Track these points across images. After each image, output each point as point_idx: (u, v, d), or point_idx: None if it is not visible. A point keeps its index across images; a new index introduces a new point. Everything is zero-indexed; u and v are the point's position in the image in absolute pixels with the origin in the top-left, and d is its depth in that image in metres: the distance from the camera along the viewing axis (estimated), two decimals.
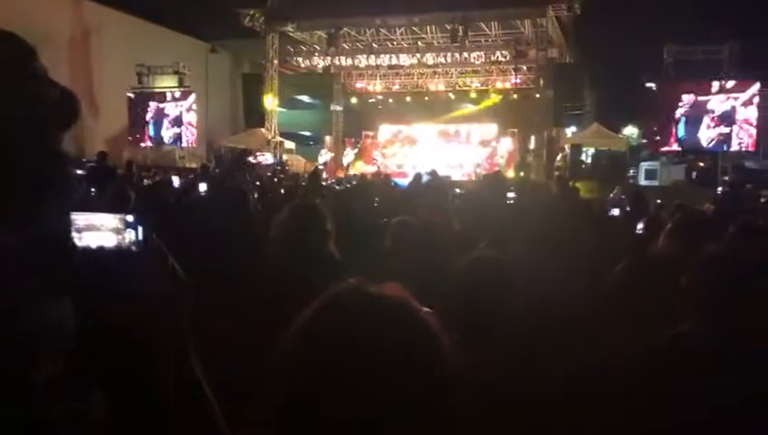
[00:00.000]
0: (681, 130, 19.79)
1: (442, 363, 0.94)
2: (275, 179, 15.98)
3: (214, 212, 3.45)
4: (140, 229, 1.13)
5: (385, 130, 28.35)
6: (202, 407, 1.16)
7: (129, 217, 1.13)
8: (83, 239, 1.13)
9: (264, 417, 0.94)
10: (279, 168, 22.19)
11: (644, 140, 25.56)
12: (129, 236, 1.13)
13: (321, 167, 23.92)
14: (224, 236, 3.22)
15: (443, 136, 27.16)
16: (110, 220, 1.13)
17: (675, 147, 20.02)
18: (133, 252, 1.12)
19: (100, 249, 1.12)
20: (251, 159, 21.17)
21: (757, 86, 18.95)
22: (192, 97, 24.56)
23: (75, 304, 1.12)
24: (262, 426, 0.95)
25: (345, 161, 27.63)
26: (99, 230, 1.13)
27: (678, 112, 19.65)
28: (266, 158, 23.51)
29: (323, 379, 0.90)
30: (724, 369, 1.72)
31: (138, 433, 1.16)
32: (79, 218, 1.13)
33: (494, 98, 27.12)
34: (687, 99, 19.52)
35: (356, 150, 27.99)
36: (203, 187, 7.74)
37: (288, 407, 0.92)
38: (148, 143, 24.88)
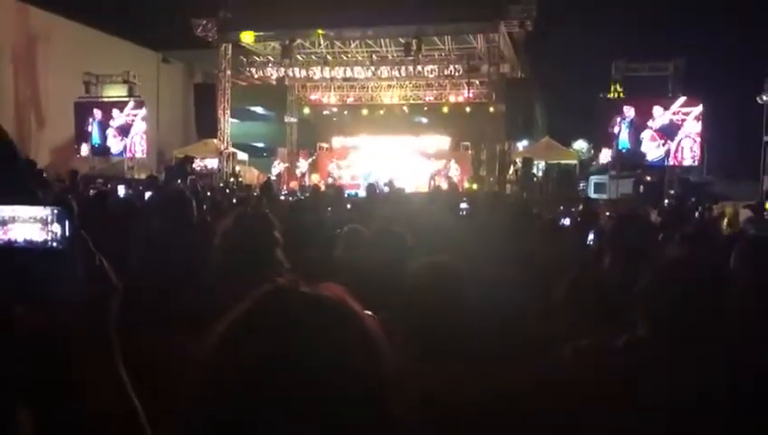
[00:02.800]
0: (624, 143, 20.23)
1: (380, 370, 0.87)
2: (227, 190, 15.77)
3: (154, 219, 3.33)
4: (67, 223, 1.02)
5: (339, 142, 28.32)
6: (129, 419, 1.07)
7: (56, 210, 1.02)
8: (3, 232, 1.02)
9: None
10: (232, 179, 21.97)
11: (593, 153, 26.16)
12: (54, 230, 1.02)
13: (274, 178, 23.75)
14: (163, 244, 3.10)
15: (397, 148, 27.28)
16: (33, 212, 1.02)
17: (611, 156, 20.38)
18: (55, 248, 1.01)
19: (17, 243, 1.01)
20: (196, 165, 20.89)
21: (700, 107, 19.49)
22: (143, 107, 24.15)
23: None
24: None
25: (299, 173, 27.48)
26: (21, 222, 1.02)
27: (618, 126, 20.05)
28: (212, 166, 23.31)
29: (245, 388, 0.82)
30: (680, 371, 1.75)
31: None
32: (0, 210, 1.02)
33: (448, 111, 27.39)
34: (627, 111, 19.99)
35: (310, 162, 27.88)
36: (148, 196, 7.55)
37: (205, 422, 0.83)
38: (94, 154, 24.34)
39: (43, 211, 1.03)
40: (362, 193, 15.27)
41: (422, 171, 25.95)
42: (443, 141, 27.27)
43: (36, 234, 1.02)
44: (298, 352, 0.84)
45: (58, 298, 1.00)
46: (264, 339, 0.84)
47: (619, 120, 19.98)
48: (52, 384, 1.06)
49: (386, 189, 11.10)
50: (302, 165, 27.75)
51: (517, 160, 23.17)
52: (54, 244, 1.02)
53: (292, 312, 0.87)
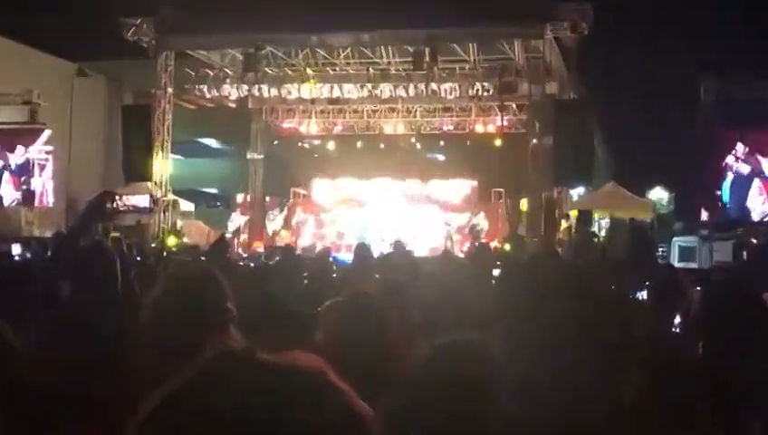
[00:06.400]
0: (726, 194, 20.20)
1: None
2: (164, 253, 15.74)
3: (61, 284, 3.31)
4: None
5: (323, 187, 28.64)
6: None
7: None
8: None
9: None
10: (171, 239, 21.97)
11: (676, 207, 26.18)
12: None
13: (230, 236, 23.74)
14: (75, 318, 3.07)
15: (402, 196, 27.47)
16: None
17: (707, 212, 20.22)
18: None
19: None
20: (116, 203, 20.93)
21: None
22: (45, 135, 24.30)
23: None
24: None
25: (270, 229, 27.60)
26: None
27: (728, 168, 19.88)
28: (143, 205, 23.29)
29: None
30: None
31: None
32: None
33: (473, 145, 27.64)
34: (741, 150, 19.89)
35: (283, 215, 28.01)
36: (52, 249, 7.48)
37: None
38: None
39: None
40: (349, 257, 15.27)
41: (436, 229, 26.05)
42: (466, 187, 27.65)
43: None
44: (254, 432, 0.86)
45: None
46: (204, 421, 0.86)
47: (728, 161, 19.84)
48: None
49: (384, 252, 11.10)
50: (275, 219, 27.95)
51: (570, 214, 23.25)
52: None
53: (247, 380, 0.89)
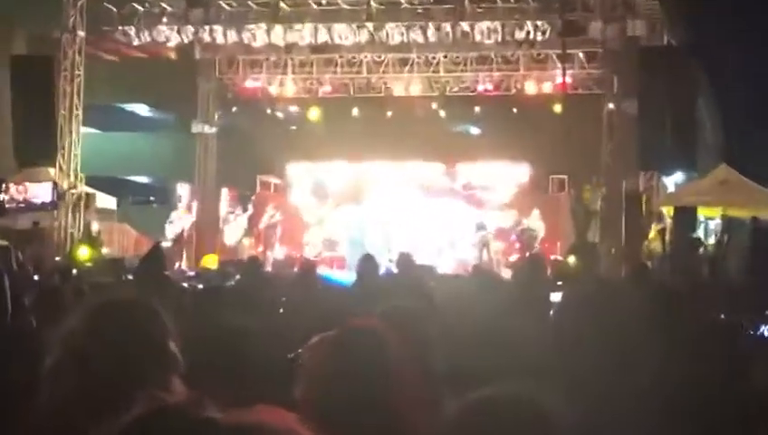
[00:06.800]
0: None
1: None
2: (74, 269, 15.77)
3: None
4: None
5: (303, 175, 28.67)
6: None
7: None
8: None
9: None
10: (83, 250, 21.98)
11: None
12: None
13: (169, 244, 23.96)
14: None
15: (418, 188, 27.46)
16: None
17: None
18: None
19: None
20: (12, 195, 20.95)
21: None
22: None
23: None
24: None
25: (228, 236, 27.52)
26: None
27: None
28: (41, 201, 23.23)
29: None
30: None
31: None
32: None
33: (522, 114, 27.71)
34: None
35: (247, 215, 27.92)
36: None
37: None
38: None
39: None
40: (348, 275, 15.33)
41: (468, 234, 26.13)
42: (512, 173, 27.65)
43: None
44: None
45: None
46: None
47: None
48: None
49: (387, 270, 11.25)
50: (232, 221, 27.90)
51: (664, 213, 23.21)
52: None
53: None
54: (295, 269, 12.84)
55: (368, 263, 10.18)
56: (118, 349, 2.92)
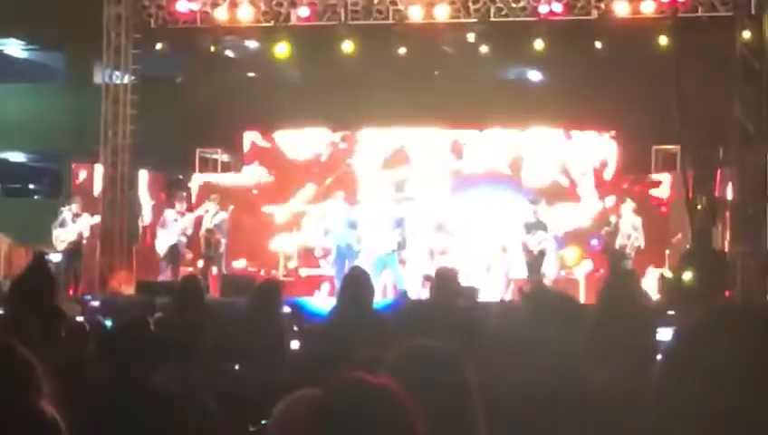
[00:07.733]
0: None
1: None
2: None
3: None
4: None
5: (265, 148, 26.10)
6: None
7: None
8: None
9: None
10: None
11: None
12: None
13: (57, 257, 21.46)
14: None
15: (445, 165, 24.98)
16: None
17: None
18: None
19: None
20: None
21: None
22: None
23: None
24: None
25: (161, 244, 23.82)
26: None
27: None
28: None
29: None
30: None
31: None
32: None
33: (609, 52, 23.29)
34: None
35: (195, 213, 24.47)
36: None
37: None
38: None
39: None
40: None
41: (517, 234, 22.47)
42: (594, 144, 24.74)
43: None
44: None
45: None
46: None
47: None
48: None
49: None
50: (173, 221, 24.28)
51: None
52: None
53: None
54: (251, 292, 11.40)
55: (360, 281, 9.43)
56: None
